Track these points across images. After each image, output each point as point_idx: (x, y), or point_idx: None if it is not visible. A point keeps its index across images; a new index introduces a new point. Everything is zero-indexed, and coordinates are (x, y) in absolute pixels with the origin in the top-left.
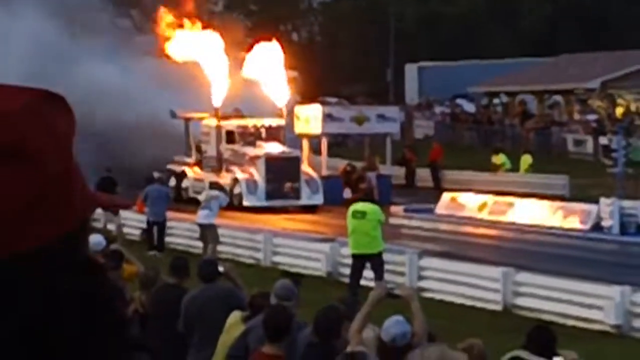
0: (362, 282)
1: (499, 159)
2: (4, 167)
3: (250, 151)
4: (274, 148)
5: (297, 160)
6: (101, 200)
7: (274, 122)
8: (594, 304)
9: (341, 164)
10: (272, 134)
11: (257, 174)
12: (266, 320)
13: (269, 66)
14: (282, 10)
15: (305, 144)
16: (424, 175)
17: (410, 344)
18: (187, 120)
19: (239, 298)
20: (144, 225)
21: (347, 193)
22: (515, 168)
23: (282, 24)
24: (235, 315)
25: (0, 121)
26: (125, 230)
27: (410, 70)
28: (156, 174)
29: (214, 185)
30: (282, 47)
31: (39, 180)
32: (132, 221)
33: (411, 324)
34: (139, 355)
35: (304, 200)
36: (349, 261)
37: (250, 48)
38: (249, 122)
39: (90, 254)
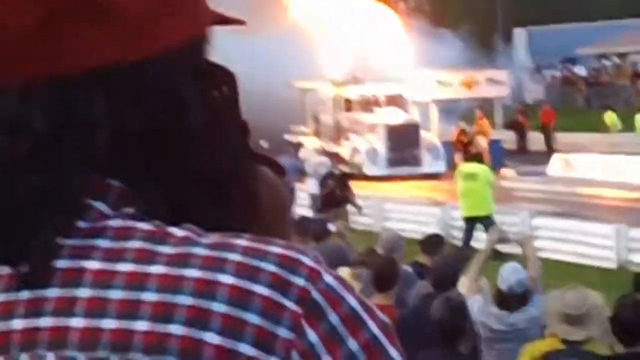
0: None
1: (610, 117)
2: None
3: (370, 119)
4: (393, 115)
5: (416, 127)
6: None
7: (394, 88)
8: None
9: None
10: (392, 101)
11: (377, 142)
12: (374, 271)
13: (387, 33)
14: None
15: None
16: (536, 138)
17: (528, 290)
18: (304, 88)
19: (348, 255)
20: None
21: (459, 158)
22: (628, 129)
23: None
24: (343, 271)
25: None
26: None
27: (519, 34)
28: (264, 143)
29: (318, 153)
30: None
31: None
32: None
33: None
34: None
35: (426, 168)
36: (461, 224)
37: (362, 15)
38: (368, 90)
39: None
